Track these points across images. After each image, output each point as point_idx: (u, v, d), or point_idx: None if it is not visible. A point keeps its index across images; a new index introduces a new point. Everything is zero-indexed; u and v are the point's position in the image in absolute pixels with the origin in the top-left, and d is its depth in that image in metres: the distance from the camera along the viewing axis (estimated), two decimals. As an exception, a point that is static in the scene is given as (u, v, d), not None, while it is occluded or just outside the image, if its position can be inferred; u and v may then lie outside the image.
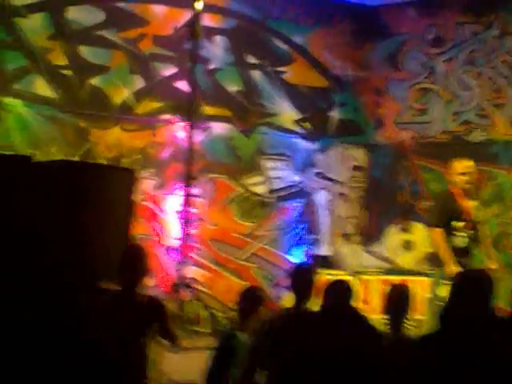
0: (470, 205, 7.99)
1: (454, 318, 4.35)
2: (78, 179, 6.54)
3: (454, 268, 7.54)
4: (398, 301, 5.33)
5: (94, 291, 5.65)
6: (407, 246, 9.59)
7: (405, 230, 9.67)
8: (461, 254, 7.82)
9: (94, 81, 10.25)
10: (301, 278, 5.39)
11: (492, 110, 11.18)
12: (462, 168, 7.98)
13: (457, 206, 7.92)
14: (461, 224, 7.87)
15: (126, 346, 5.25)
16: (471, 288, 4.38)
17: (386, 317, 5.48)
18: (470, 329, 4.21)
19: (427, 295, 8.09)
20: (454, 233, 7.86)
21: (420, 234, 9.50)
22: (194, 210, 10.20)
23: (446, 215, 7.85)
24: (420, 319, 8.05)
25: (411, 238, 9.57)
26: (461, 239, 7.85)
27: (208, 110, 10.77)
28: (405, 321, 5.35)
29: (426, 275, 8.55)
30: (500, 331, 4.20)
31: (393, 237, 9.74)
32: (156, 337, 5.62)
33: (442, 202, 8.05)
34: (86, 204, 6.51)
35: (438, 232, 7.84)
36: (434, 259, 8.02)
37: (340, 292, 4.59)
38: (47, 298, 6.02)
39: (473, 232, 7.98)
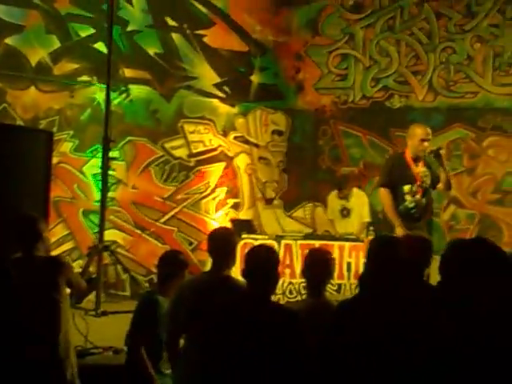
0: (420, 170, 7.95)
1: (369, 283, 4.40)
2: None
3: (400, 230, 7.54)
4: (314, 264, 5.29)
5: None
6: (345, 212, 9.66)
7: (342, 197, 9.71)
8: (410, 219, 7.77)
9: (10, 40, 10.02)
10: (219, 242, 5.27)
11: (411, 77, 11.33)
12: (423, 134, 7.90)
13: (407, 171, 7.87)
14: (409, 188, 7.80)
15: (36, 309, 5.15)
16: (385, 253, 4.43)
17: (304, 281, 5.46)
18: (384, 294, 4.25)
19: (363, 260, 8.13)
20: (405, 197, 7.82)
21: (358, 200, 9.57)
22: (113, 173, 10.10)
23: (395, 177, 7.79)
24: (344, 284, 8.18)
25: (349, 204, 9.64)
26: (410, 204, 7.81)
27: (127, 72, 10.64)
28: (324, 285, 5.33)
29: (351, 240, 8.61)
30: (419, 297, 4.24)
31: (332, 202, 9.81)
32: (74, 302, 5.57)
33: (394, 164, 7.97)
34: (0, 166, 6.38)
35: (384, 192, 7.81)
36: (375, 224, 7.97)
37: (262, 258, 4.52)
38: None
39: (422, 198, 7.91)
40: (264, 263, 4.42)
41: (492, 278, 3.09)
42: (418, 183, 7.88)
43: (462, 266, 3.30)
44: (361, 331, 4.18)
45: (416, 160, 7.92)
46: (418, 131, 7.95)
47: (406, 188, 7.84)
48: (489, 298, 3.02)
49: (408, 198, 7.84)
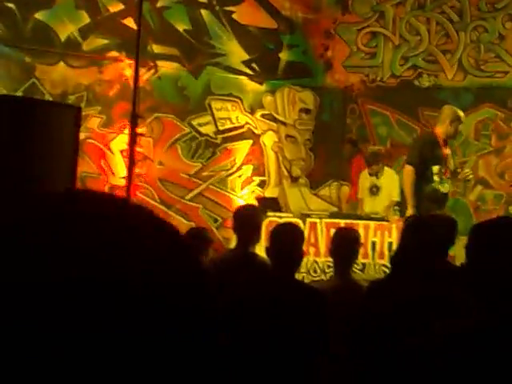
0: (448, 152, 7.91)
1: (405, 263, 4.37)
2: (19, 115, 6.41)
3: (413, 211, 7.52)
4: (343, 244, 5.26)
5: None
6: (375, 190, 9.60)
7: (373, 175, 9.65)
8: (438, 203, 7.71)
9: (39, 15, 10.03)
10: (244, 219, 5.29)
11: (440, 56, 11.22)
12: (455, 115, 7.84)
13: (438, 151, 7.81)
14: (438, 169, 7.75)
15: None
16: (423, 233, 4.40)
17: (331, 260, 5.45)
18: (419, 275, 4.22)
19: (388, 240, 8.13)
20: (434, 178, 7.74)
21: (389, 179, 9.50)
22: (140, 150, 10.11)
23: (425, 157, 7.73)
24: (369, 263, 8.16)
25: (379, 182, 9.57)
26: (438, 186, 7.74)
27: (156, 48, 10.63)
28: (352, 265, 5.31)
29: (377, 220, 8.58)
30: (451, 279, 4.20)
31: (362, 180, 9.75)
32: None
33: (425, 142, 7.91)
34: (28, 140, 6.40)
35: (410, 170, 7.76)
36: (402, 206, 7.94)
37: (287, 236, 4.51)
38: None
39: (449, 179, 7.86)
40: (288, 241, 4.42)
41: None
42: (447, 165, 7.83)
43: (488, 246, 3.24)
44: (394, 310, 4.16)
45: (445, 142, 7.87)
46: (448, 112, 7.90)
47: (436, 169, 7.78)
48: None
49: (436, 178, 7.77)
